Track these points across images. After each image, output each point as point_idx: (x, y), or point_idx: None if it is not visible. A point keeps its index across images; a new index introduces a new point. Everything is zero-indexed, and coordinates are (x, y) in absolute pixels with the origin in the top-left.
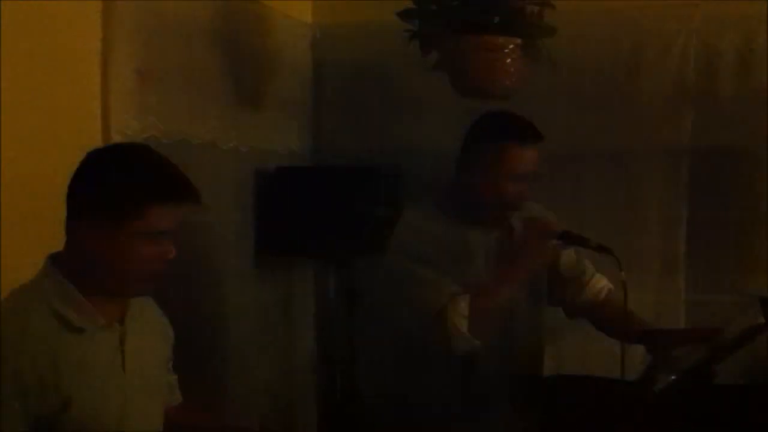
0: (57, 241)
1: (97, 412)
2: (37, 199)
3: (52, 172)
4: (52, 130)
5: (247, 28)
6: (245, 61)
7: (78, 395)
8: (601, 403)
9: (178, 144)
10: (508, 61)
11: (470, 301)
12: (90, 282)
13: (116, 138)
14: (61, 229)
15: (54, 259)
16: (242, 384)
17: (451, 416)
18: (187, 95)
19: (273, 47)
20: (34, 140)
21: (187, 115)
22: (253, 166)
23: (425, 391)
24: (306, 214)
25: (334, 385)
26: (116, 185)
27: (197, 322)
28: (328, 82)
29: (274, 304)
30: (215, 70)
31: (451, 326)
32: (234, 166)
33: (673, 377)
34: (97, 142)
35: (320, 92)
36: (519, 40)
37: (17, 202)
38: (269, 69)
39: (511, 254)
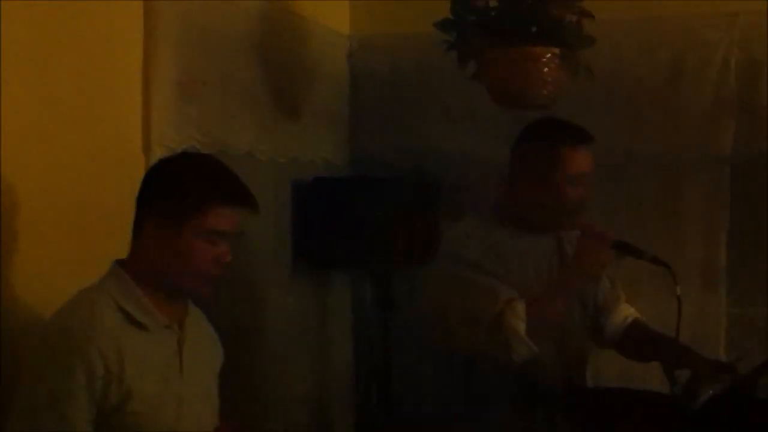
0: (103, 251)
1: (155, 410)
2: (80, 210)
3: (94, 184)
4: (94, 141)
5: (286, 39)
6: (283, 72)
7: (138, 390)
8: (640, 416)
9: (217, 155)
10: (546, 70)
11: (527, 306)
12: (153, 283)
13: (156, 149)
14: (105, 239)
15: (120, 261)
16: (279, 395)
17: (490, 427)
18: (226, 106)
19: (310, 58)
20: (75, 151)
21: (225, 126)
22: (291, 176)
23: (465, 402)
24: (343, 224)
25: (370, 397)
26: (180, 185)
27: (233, 333)
28: (365, 92)
29: (311, 315)
30: (254, 81)
31: (510, 331)
32: (272, 177)
33: (713, 391)
34: (137, 152)
35: (358, 103)
36: (557, 50)
37: (60, 213)
38: (307, 80)
39: (568, 261)
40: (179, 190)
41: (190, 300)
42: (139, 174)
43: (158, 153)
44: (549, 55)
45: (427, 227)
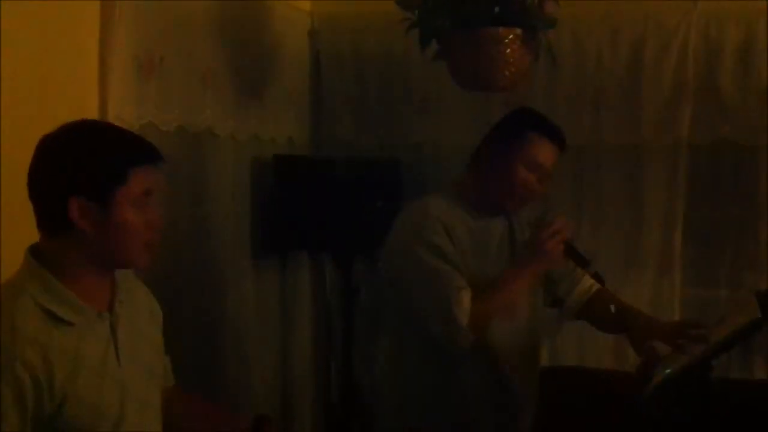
0: None
1: (96, 407)
2: None
3: None
4: (49, 118)
5: (246, 15)
6: (243, 49)
7: (73, 392)
8: (596, 394)
9: (176, 132)
10: (508, 51)
11: (472, 297)
12: (79, 270)
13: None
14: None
15: (33, 251)
16: (239, 378)
17: (450, 412)
18: (185, 83)
19: (271, 35)
20: (29, 128)
21: (184, 104)
22: (252, 155)
23: (425, 385)
24: (304, 205)
25: (331, 380)
26: (94, 158)
27: (193, 314)
28: (327, 70)
29: (272, 297)
30: (213, 58)
31: (452, 322)
32: (231, 155)
33: (669, 371)
34: None
35: (320, 81)
36: (519, 31)
37: (12, 192)
38: (267, 57)
39: (520, 252)
40: (98, 164)
41: (115, 277)
42: None
43: None
44: (511, 37)
45: (390, 209)
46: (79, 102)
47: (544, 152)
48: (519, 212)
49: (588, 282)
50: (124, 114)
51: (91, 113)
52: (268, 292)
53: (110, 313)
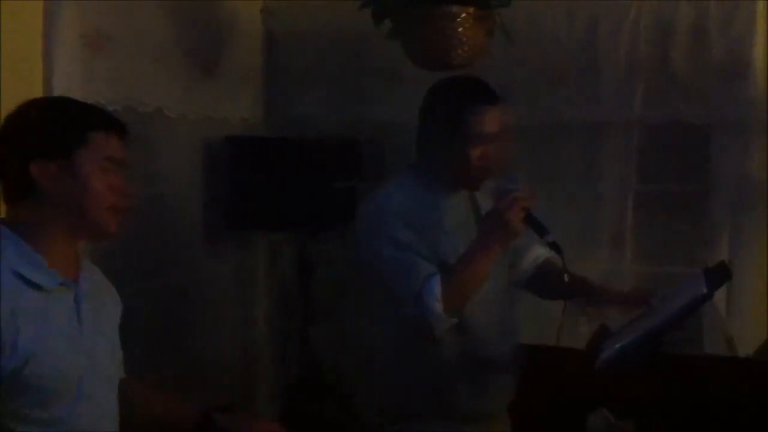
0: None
1: (58, 369)
2: None
3: None
4: None
5: None
6: (194, 27)
7: (39, 351)
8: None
9: (124, 111)
10: (461, 30)
11: (442, 282)
12: (46, 239)
13: None
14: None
15: (3, 220)
16: (197, 360)
17: (415, 391)
18: (134, 62)
19: (223, 13)
20: None
21: (134, 82)
22: (204, 134)
23: (400, 363)
24: (258, 185)
25: (291, 359)
26: (56, 123)
27: (148, 297)
28: (280, 48)
29: (227, 278)
30: (163, 36)
31: (426, 309)
32: (183, 135)
33: (618, 346)
34: None
35: (273, 60)
36: (472, 9)
37: None
38: (219, 35)
39: (483, 227)
40: (58, 125)
41: (82, 255)
42: None
43: None
44: (464, 15)
45: (346, 189)
46: (23, 80)
47: (488, 120)
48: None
49: (534, 252)
50: (70, 92)
51: (36, 92)
52: (223, 273)
53: (76, 284)
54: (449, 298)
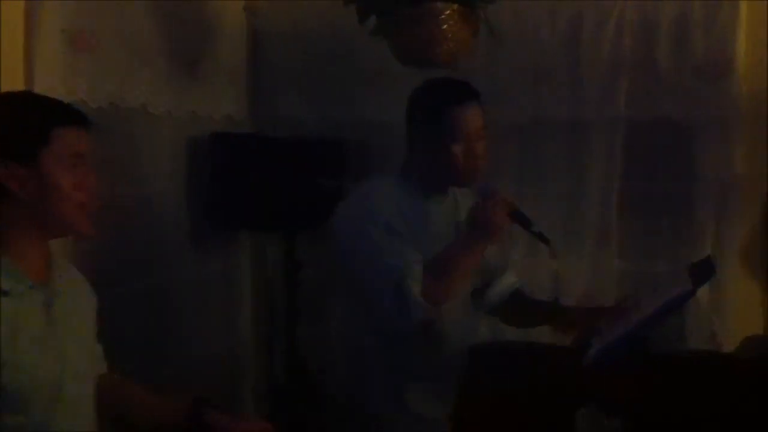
0: None
1: (31, 374)
2: None
3: None
4: None
5: None
6: (179, 25)
7: (12, 358)
8: (532, 367)
9: (108, 108)
10: (446, 27)
11: (425, 270)
12: (13, 241)
13: None
14: None
15: None
16: (182, 359)
17: (397, 387)
18: (118, 59)
19: (207, 10)
20: None
21: (117, 79)
22: (189, 132)
23: (371, 361)
24: (243, 183)
25: (276, 358)
26: (17, 121)
27: (133, 296)
28: (265, 46)
29: (213, 277)
30: (148, 33)
31: (407, 293)
32: (168, 132)
33: (605, 342)
34: None
35: (259, 57)
36: (457, 6)
37: None
38: (204, 32)
39: (467, 227)
40: (20, 125)
41: (53, 254)
42: None
43: None
44: (449, 12)
45: (331, 187)
46: (4, 78)
47: (471, 118)
48: (464, 190)
49: (507, 279)
50: (52, 90)
51: (17, 88)
52: (209, 272)
53: (47, 285)
54: (430, 287)
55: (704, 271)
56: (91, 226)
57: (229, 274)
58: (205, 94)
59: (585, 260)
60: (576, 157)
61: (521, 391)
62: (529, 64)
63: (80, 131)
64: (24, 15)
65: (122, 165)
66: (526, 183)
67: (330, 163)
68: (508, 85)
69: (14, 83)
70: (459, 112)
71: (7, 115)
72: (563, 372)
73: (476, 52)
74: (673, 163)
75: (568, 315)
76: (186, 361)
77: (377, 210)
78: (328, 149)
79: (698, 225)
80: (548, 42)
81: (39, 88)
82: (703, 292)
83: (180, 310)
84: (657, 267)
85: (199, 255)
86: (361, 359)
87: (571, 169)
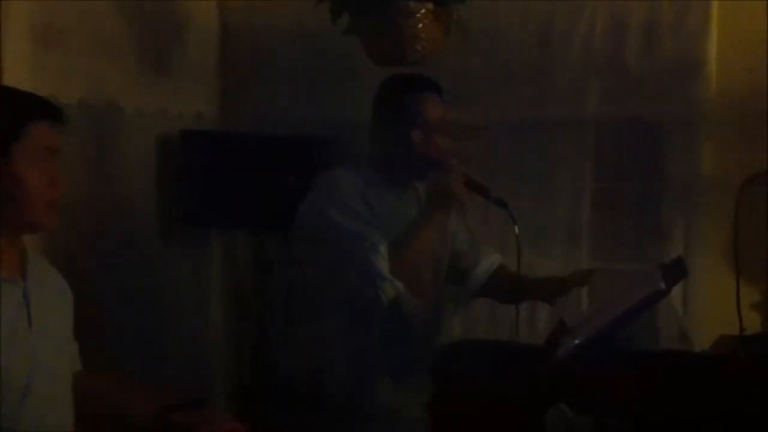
0: None
1: (5, 371)
2: None
3: None
4: None
5: None
6: (149, 21)
7: None
8: (503, 366)
9: (77, 105)
10: (420, 26)
11: (389, 246)
12: None
13: None
14: None
15: None
16: (151, 359)
17: (370, 380)
18: (87, 56)
19: (178, 7)
20: None
21: (87, 76)
22: (159, 129)
23: (343, 354)
24: (213, 181)
25: (246, 357)
26: None
27: (103, 297)
28: (236, 43)
29: (183, 277)
30: (118, 30)
31: (375, 272)
32: (137, 129)
33: (576, 341)
34: None
35: (229, 55)
36: (431, 5)
37: None
38: (174, 29)
39: (427, 199)
40: None
41: (28, 250)
42: None
43: None
44: (423, 11)
45: (302, 185)
46: None
47: (430, 107)
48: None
49: (489, 259)
50: (21, 86)
51: None
52: (179, 271)
53: (23, 280)
54: (395, 261)
55: (677, 270)
56: (56, 221)
57: (200, 273)
58: (175, 91)
59: (556, 260)
60: (546, 157)
61: (492, 390)
62: (499, 63)
63: (53, 126)
64: None
65: (92, 162)
66: (496, 182)
67: (299, 161)
68: (477, 85)
69: None
70: (417, 100)
71: None
72: (535, 371)
73: (447, 51)
74: (643, 162)
75: (554, 284)
76: (156, 360)
77: (339, 195)
78: (298, 147)
79: (668, 224)
80: (519, 41)
81: (8, 84)
82: (674, 291)
83: (151, 308)
84: (627, 267)
85: (169, 253)
86: (333, 355)
87: (541, 169)
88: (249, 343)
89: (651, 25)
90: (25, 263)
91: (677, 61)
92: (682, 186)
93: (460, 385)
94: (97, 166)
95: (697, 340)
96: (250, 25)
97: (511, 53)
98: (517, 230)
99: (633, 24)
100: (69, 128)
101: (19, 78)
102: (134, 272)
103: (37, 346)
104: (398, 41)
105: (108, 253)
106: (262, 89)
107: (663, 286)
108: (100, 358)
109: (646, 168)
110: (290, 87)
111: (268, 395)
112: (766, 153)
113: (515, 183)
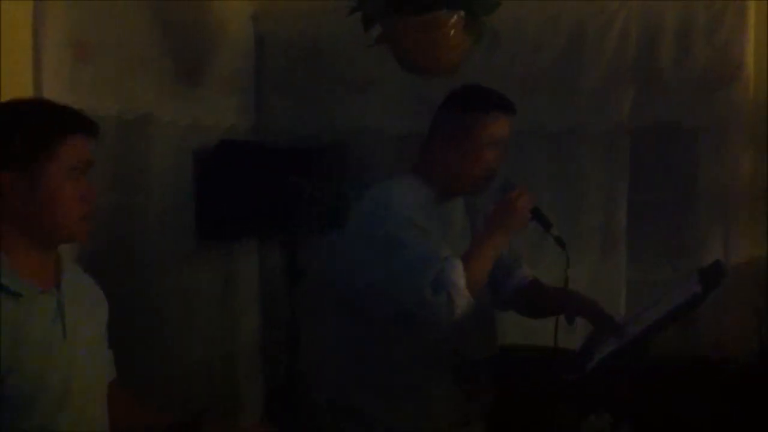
0: None
1: (39, 381)
2: None
3: None
4: None
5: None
6: (184, 34)
7: (16, 364)
8: (540, 371)
9: (114, 118)
10: (452, 35)
11: (463, 262)
12: (20, 247)
13: None
14: None
15: None
16: (187, 368)
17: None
18: (123, 69)
19: (213, 19)
20: None
21: (122, 89)
22: (193, 141)
23: (375, 370)
24: (247, 191)
25: (279, 368)
26: (23, 129)
27: (138, 306)
28: (271, 56)
29: (217, 286)
30: (153, 43)
31: (452, 286)
32: (172, 141)
33: (611, 348)
34: None
35: (264, 67)
36: (462, 14)
37: None
38: (209, 42)
39: (488, 218)
40: (26, 133)
41: (64, 258)
42: None
43: None
44: (454, 20)
45: (335, 195)
46: (12, 88)
47: (503, 126)
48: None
49: (522, 272)
50: (58, 99)
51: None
52: (213, 281)
53: (57, 290)
54: (470, 280)
55: (715, 275)
56: (86, 234)
57: (233, 282)
58: (209, 103)
59: (591, 270)
60: (579, 166)
61: (526, 395)
62: (530, 71)
63: (87, 139)
64: (31, 26)
65: (126, 174)
66: (533, 191)
67: (333, 171)
68: (510, 93)
69: (22, 95)
70: (493, 119)
71: (11, 125)
72: (567, 373)
73: (477, 59)
74: (678, 169)
75: (581, 302)
76: (183, 369)
77: (398, 205)
78: (331, 156)
79: (704, 232)
80: (550, 49)
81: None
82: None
83: (184, 319)
84: (664, 274)
85: (203, 263)
86: (361, 365)
87: (574, 178)
88: (278, 351)
89: (685, 29)
90: (60, 273)
91: (713, 65)
92: (719, 193)
93: (518, 393)
94: (132, 178)
95: (731, 346)
96: (284, 37)
97: (541, 61)
98: (568, 273)
99: (667, 29)
100: (104, 140)
101: (57, 91)
102: (169, 281)
103: (72, 356)
104: (430, 51)
105: (143, 263)
106: (296, 101)
107: (699, 290)
108: (128, 371)
109: (682, 175)
110: (324, 98)
111: (299, 403)
112: None
113: (550, 191)
